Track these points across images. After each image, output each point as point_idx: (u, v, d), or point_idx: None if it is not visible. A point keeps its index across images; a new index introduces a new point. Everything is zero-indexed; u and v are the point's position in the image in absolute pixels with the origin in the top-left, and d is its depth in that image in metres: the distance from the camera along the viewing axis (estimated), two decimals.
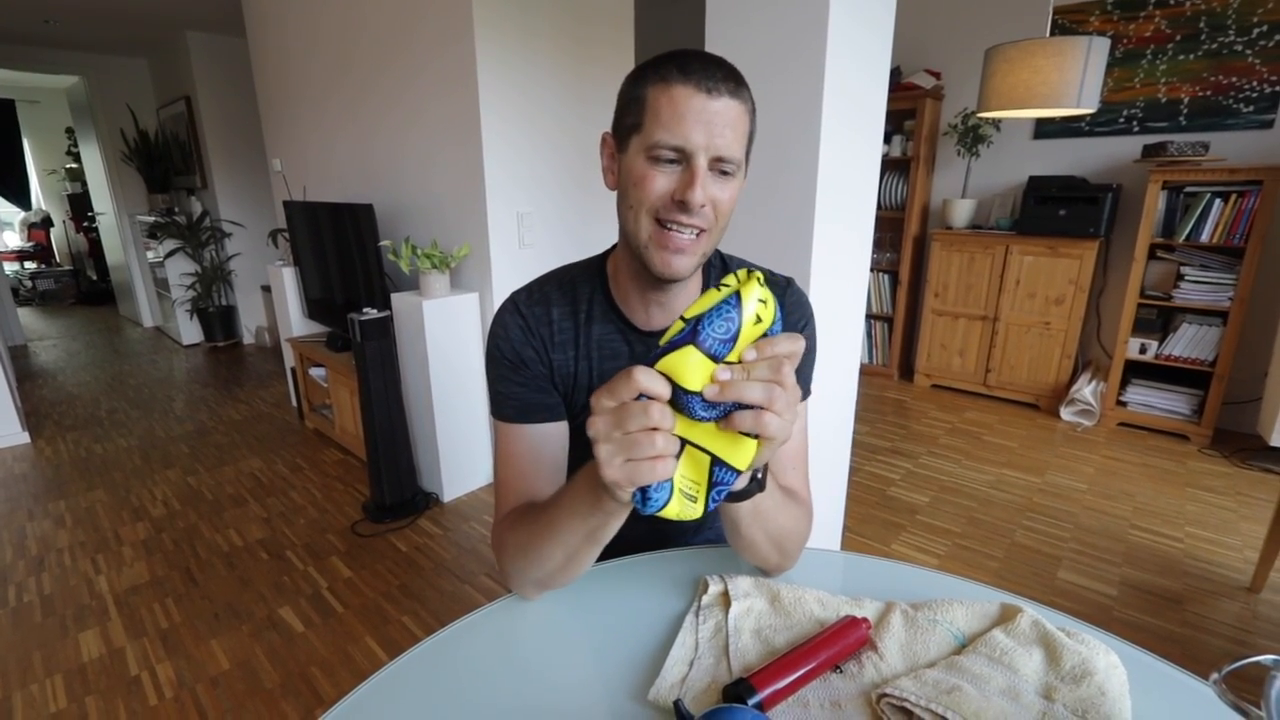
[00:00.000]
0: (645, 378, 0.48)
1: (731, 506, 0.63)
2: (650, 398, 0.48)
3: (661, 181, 0.63)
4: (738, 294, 0.47)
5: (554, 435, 0.76)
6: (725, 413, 0.49)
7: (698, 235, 0.65)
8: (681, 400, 0.48)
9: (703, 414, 0.48)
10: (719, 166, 0.63)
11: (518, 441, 0.75)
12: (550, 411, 0.76)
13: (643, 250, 0.67)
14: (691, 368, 0.47)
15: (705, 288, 0.78)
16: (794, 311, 0.78)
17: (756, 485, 0.61)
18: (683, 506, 0.51)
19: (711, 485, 0.52)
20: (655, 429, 0.47)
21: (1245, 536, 2.13)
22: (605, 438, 0.48)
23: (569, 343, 0.76)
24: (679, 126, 0.61)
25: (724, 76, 0.62)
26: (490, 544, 0.75)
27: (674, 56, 0.64)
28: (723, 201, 0.65)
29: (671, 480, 0.50)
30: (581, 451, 0.72)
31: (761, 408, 0.48)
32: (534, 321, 0.75)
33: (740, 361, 0.48)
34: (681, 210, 0.63)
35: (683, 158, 0.62)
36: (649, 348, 0.74)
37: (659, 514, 0.51)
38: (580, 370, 0.76)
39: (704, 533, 1.00)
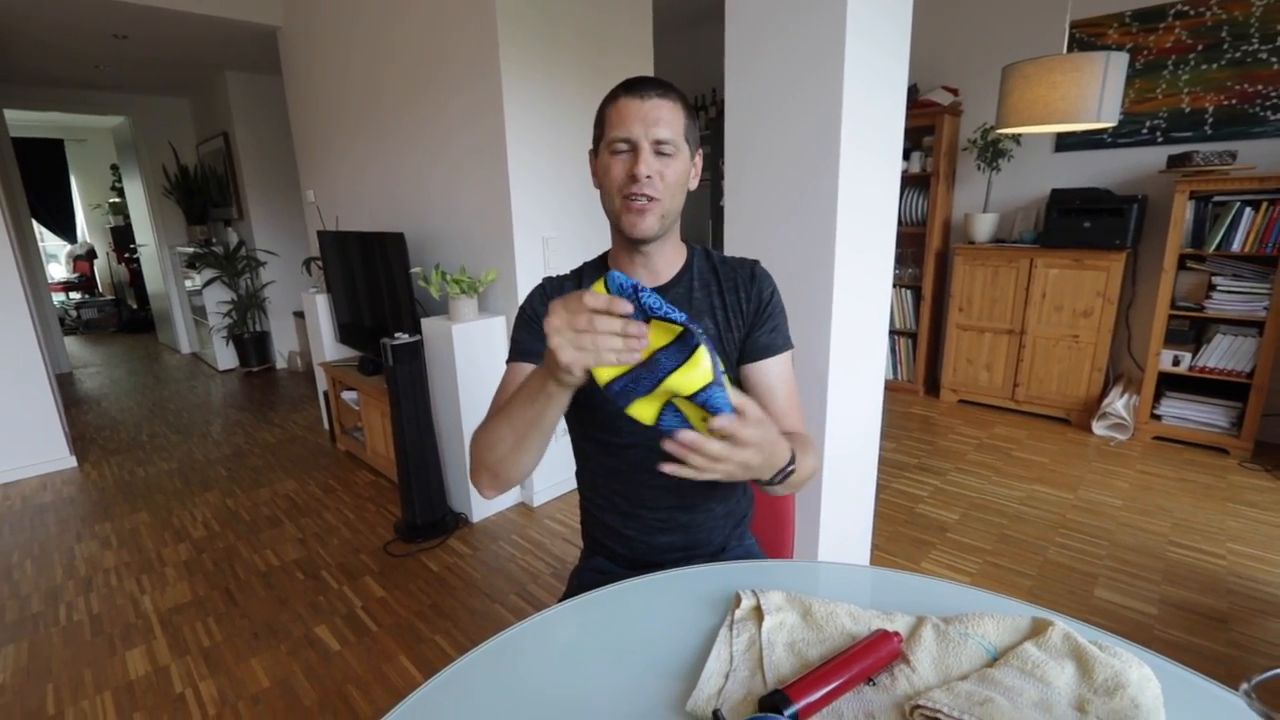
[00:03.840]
0: (591, 299, 0.61)
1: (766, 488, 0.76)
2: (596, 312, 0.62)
3: (619, 167, 0.84)
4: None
5: None
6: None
7: (651, 201, 0.83)
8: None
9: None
10: (659, 148, 0.83)
11: (512, 376, 0.91)
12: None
13: (618, 220, 0.87)
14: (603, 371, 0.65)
15: (689, 264, 0.95)
16: (762, 281, 0.95)
17: (775, 482, 0.74)
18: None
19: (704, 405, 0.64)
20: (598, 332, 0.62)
21: None
22: (558, 333, 0.63)
23: None
24: (624, 124, 0.83)
25: (654, 85, 0.84)
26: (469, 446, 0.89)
27: (622, 82, 0.86)
28: (668, 175, 0.84)
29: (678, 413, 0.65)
30: (577, 399, 0.84)
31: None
32: (552, 290, 0.97)
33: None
34: (634, 183, 0.82)
35: (631, 146, 0.83)
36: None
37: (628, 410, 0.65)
38: None
39: (732, 549, 1.02)
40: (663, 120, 0.82)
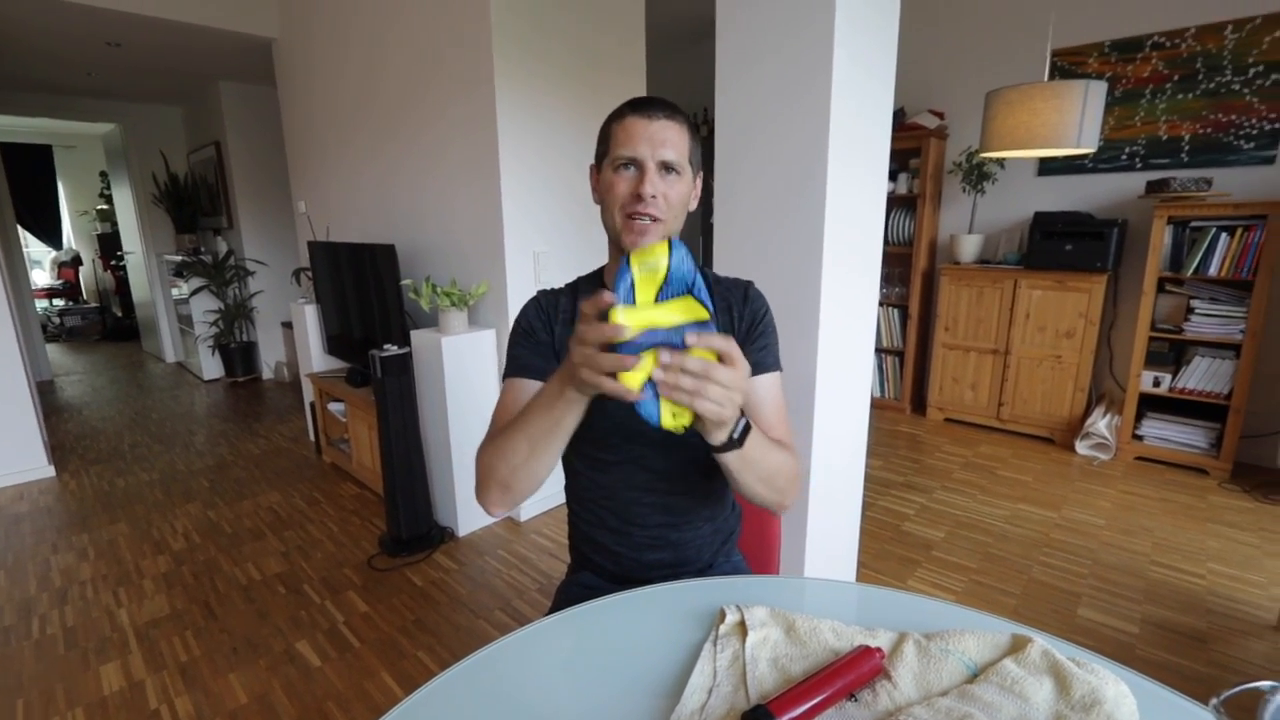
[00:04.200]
0: (589, 330, 0.64)
1: (724, 457, 0.75)
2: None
3: (624, 185, 0.85)
4: (627, 261, 0.66)
5: None
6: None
7: (654, 221, 0.84)
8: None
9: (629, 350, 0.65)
10: (666, 168, 0.84)
11: (513, 393, 0.92)
12: (544, 374, 0.91)
13: (618, 238, 0.87)
14: (624, 315, 0.64)
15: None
16: (755, 301, 0.95)
17: (735, 443, 0.72)
18: (672, 421, 0.66)
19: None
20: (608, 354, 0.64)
21: (1270, 573, 2.10)
22: (578, 353, 0.66)
23: (568, 320, 0.95)
24: (630, 142, 0.84)
25: (661, 106, 0.85)
26: (475, 458, 0.89)
27: (629, 100, 0.87)
28: (671, 196, 0.85)
29: (659, 400, 0.65)
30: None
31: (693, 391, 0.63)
32: (545, 303, 0.97)
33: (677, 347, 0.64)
34: (638, 202, 0.83)
35: (636, 165, 0.84)
36: None
37: (660, 426, 0.66)
38: None
39: (720, 565, 1.02)
40: (669, 141, 0.83)
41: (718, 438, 0.71)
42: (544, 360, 0.93)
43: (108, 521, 2.65)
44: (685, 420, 0.66)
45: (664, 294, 0.65)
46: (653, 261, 0.65)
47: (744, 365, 0.65)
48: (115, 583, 2.19)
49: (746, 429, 0.73)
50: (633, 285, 0.65)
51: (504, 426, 0.84)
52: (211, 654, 1.81)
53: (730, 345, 0.64)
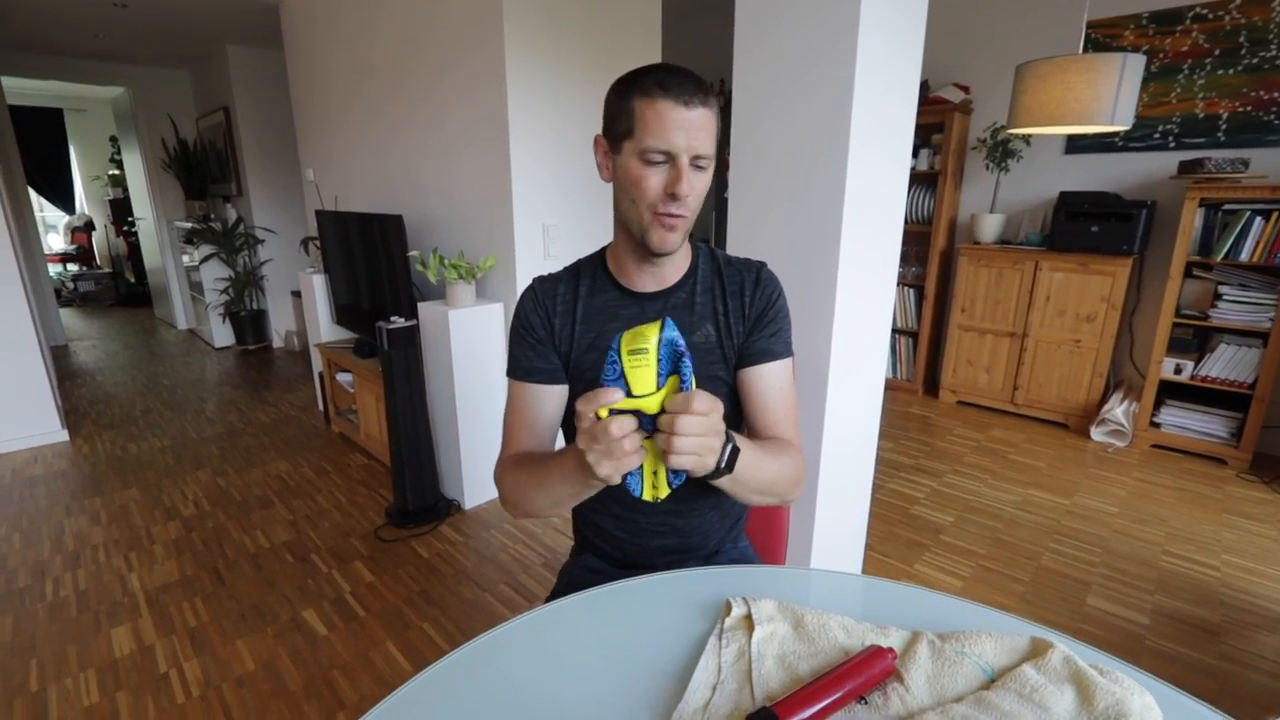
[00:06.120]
0: (617, 429, 0.64)
1: (716, 482, 0.75)
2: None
3: (654, 179, 0.78)
4: (618, 355, 0.66)
5: (550, 397, 0.92)
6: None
7: (682, 218, 0.80)
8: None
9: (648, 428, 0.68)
10: (696, 163, 0.78)
11: (520, 397, 0.92)
12: (547, 375, 0.91)
13: (644, 233, 0.81)
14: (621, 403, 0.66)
15: (694, 266, 0.92)
16: (768, 285, 0.92)
17: (724, 470, 0.72)
18: (651, 492, 0.71)
19: (669, 472, 0.70)
20: (622, 438, 0.64)
21: None
22: (590, 449, 0.66)
23: (569, 310, 0.91)
24: (664, 134, 0.75)
25: (696, 89, 0.77)
26: (493, 476, 0.92)
27: (652, 72, 0.77)
28: (699, 190, 0.80)
29: (642, 473, 0.70)
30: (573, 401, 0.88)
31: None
32: (543, 295, 0.92)
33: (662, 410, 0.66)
34: (673, 201, 0.78)
35: (669, 158, 0.77)
36: (643, 308, 0.90)
37: (640, 497, 0.71)
38: (579, 334, 0.91)
39: (726, 552, 1.00)
40: (704, 131, 0.77)
41: (709, 472, 0.71)
42: (544, 360, 0.91)
43: (120, 486, 2.68)
44: (663, 493, 0.70)
45: (660, 375, 0.66)
46: (642, 347, 0.64)
47: (712, 406, 0.65)
48: (127, 547, 2.22)
49: (734, 454, 0.72)
50: (623, 373, 0.65)
51: (526, 469, 0.85)
52: (220, 620, 1.84)
53: (695, 397, 0.64)
